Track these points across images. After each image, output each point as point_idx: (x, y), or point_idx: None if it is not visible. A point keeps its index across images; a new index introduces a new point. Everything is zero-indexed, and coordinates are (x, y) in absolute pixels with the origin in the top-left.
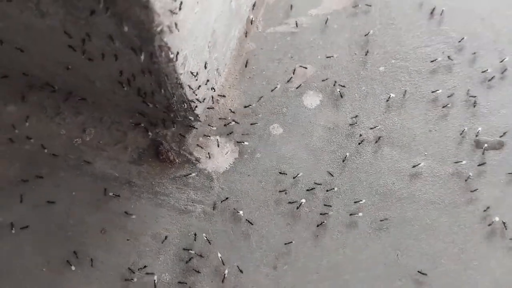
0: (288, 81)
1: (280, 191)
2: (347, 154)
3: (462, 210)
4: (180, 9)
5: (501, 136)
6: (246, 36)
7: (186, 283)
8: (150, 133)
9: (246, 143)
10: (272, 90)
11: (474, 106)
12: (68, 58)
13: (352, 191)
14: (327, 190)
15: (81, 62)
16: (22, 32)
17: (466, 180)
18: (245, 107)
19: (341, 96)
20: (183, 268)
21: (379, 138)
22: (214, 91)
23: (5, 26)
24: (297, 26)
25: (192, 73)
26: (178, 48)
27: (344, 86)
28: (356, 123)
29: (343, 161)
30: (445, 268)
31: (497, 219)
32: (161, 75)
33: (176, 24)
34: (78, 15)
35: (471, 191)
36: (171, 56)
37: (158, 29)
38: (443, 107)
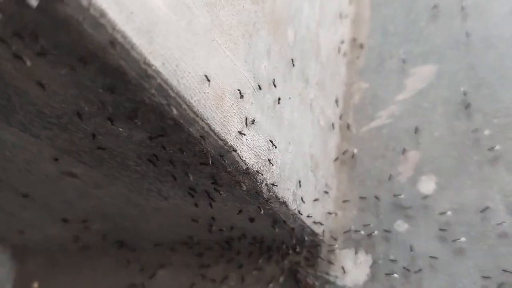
0: (398, 174)
1: None
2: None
3: None
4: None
5: None
6: (343, 141)
7: None
8: (284, 263)
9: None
10: (383, 188)
11: None
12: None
13: None
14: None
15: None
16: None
17: None
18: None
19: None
20: None
21: None
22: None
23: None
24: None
25: (302, 199)
26: (284, 190)
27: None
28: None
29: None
30: None
31: None
32: (278, 216)
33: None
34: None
35: None
36: (282, 200)
37: (263, 185)
38: None
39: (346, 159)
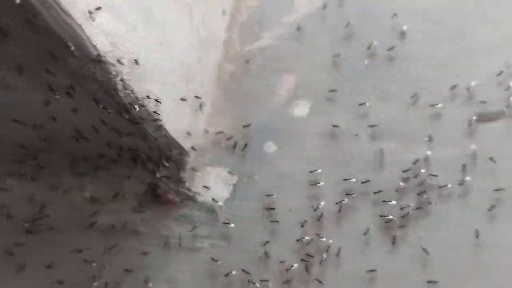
0: (274, 95)
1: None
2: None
3: None
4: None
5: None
6: (225, 58)
7: None
8: (145, 177)
9: (242, 166)
10: (259, 109)
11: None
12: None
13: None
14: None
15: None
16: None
17: None
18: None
19: (331, 100)
20: None
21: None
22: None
23: None
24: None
25: (170, 112)
26: (146, 92)
27: (335, 90)
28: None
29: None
30: None
31: None
32: (137, 120)
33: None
34: None
35: None
36: (140, 101)
37: (118, 79)
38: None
39: (224, 76)
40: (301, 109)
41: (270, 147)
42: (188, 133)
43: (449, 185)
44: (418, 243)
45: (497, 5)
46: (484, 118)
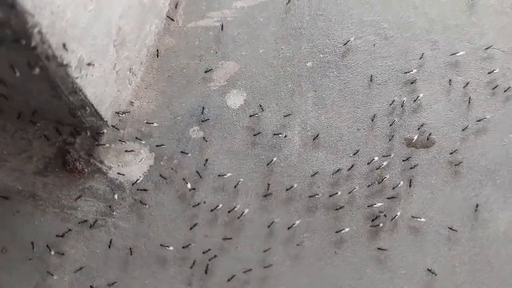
0: (210, 80)
1: (194, 206)
2: (274, 159)
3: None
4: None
5: (419, 128)
6: (165, 31)
7: None
8: (57, 141)
9: (163, 146)
10: (192, 91)
11: (402, 106)
12: None
13: (276, 197)
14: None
15: None
16: None
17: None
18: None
19: (267, 95)
20: None
21: (304, 138)
22: (118, 91)
23: None
24: (221, 24)
25: (93, 75)
26: (71, 51)
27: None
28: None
29: (268, 164)
30: (370, 277)
31: (423, 220)
32: (53, 79)
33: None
34: None
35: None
36: (60, 60)
37: (35, 31)
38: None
39: (162, 50)
40: (235, 100)
41: (196, 132)
42: (111, 103)
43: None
44: None
45: (444, 34)
46: (410, 142)
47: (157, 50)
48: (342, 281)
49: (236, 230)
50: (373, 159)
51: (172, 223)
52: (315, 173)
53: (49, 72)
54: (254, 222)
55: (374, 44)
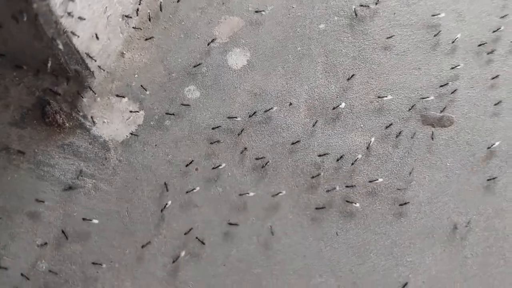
0: (212, 35)
1: (186, 165)
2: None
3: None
4: None
5: (442, 111)
6: None
7: (60, 275)
8: (36, 90)
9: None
10: (190, 45)
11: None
12: None
13: (275, 170)
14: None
15: None
16: None
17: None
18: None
19: (272, 58)
20: (64, 256)
21: (311, 108)
22: (108, 39)
23: None
24: None
25: (81, 18)
26: None
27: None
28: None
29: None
30: (373, 263)
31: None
32: (35, 17)
33: None
34: None
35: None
36: None
37: None
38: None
39: None
40: (237, 60)
41: (192, 92)
42: (99, 51)
43: None
44: None
45: (472, 5)
46: (427, 119)
47: None
48: (342, 265)
49: (235, 204)
50: (388, 134)
51: (160, 189)
52: (324, 154)
53: (31, 7)
54: (256, 199)
55: (394, 13)
